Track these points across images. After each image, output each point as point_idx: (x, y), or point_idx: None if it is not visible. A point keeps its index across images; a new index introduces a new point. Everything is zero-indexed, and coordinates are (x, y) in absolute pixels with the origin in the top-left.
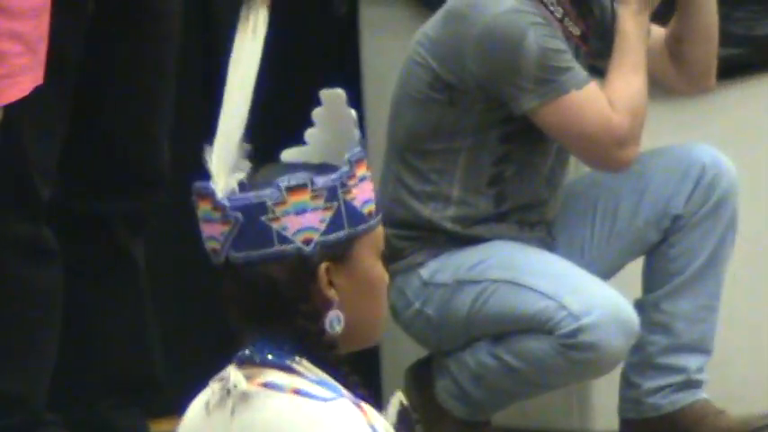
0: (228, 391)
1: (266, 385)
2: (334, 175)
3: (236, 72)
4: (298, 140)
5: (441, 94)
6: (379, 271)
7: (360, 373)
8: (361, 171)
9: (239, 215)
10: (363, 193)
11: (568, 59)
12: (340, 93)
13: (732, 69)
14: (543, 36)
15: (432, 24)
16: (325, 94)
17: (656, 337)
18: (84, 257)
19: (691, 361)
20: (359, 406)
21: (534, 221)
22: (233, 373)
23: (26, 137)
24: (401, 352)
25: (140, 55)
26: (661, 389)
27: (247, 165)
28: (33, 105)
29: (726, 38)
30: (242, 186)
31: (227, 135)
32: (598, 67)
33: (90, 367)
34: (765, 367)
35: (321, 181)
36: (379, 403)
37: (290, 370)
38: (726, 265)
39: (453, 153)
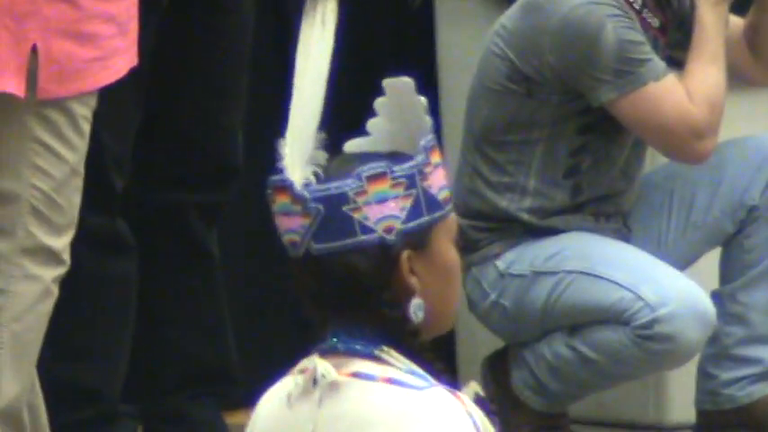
0: (315, 382)
1: (356, 375)
2: (412, 163)
3: (306, 64)
4: (361, 132)
5: (518, 85)
6: (454, 256)
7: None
8: (435, 158)
9: (320, 207)
10: (439, 180)
11: (647, 51)
12: (407, 81)
13: None
14: (621, 27)
15: (509, 16)
16: (389, 83)
17: (733, 329)
18: (158, 250)
19: (767, 353)
20: (455, 394)
21: (610, 213)
22: (320, 364)
23: (100, 128)
24: (477, 343)
25: (214, 47)
26: (738, 380)
27: (324, 156)
28: (108, 97)
29: None
30: (316, 178)
31: (301, 127)
32: (676, 59)
33: (164, 359)
34: None
35: (400, 169)
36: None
37: (378, 359)
38: None
39: (530, 144)
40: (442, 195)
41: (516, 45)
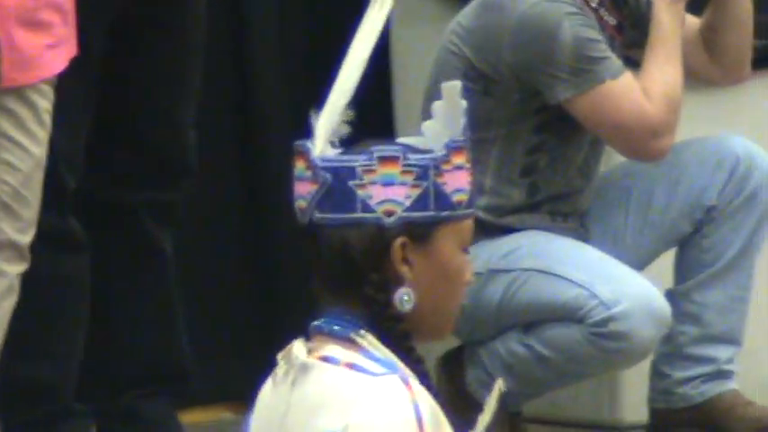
0: (291, 363)
1: (324, 359)
2: (428, 155)
3: (358, 43)
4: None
5: (475, 83)
6: (459, 262)
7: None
8: (459, 159)
9: (328, 176)
10: (456, 181)
11: (604, 49)
12: (456, 84)
13: (764, 60)
14: (579, 25)
15: (466, 14)
16: (445, 87)
17: (687, 328)
18: (111, 247)
19: (721, 352)
20: (407, 383)
21: (567, 212)
22: (296, 346)
23: (52, 126)
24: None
25: (166, 45)
26: (691, 379)
27: (346, 129)
28: (58, 94)
29: (757, 28)
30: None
31: (334, 101)
32: (633, 58)
33: (118, 357)
34: None
35: (414, 157)
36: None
37: (351, 343)
38: (757, 257)
39: (487, 143)
40: (457, 197)
41: (473, 43)
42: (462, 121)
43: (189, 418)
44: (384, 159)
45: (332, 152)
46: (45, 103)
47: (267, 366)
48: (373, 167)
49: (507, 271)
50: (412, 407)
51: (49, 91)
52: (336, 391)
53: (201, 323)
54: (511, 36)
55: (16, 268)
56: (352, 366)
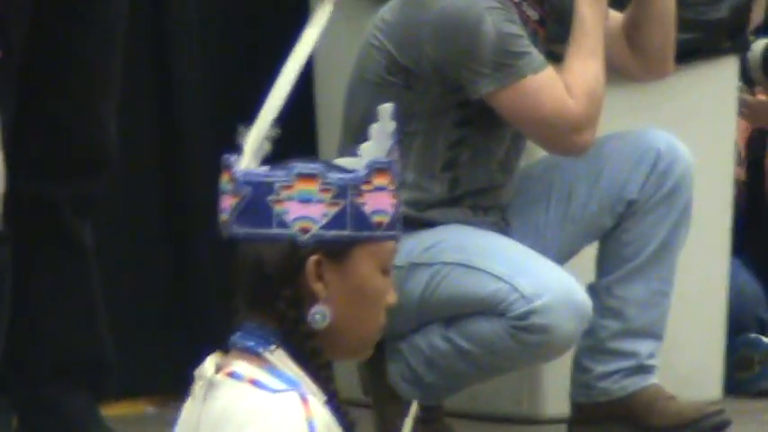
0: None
1: (231, 375)
2: (348, 175)
3: (293, 59)
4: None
5: (397, 77)
6: (377, 284)
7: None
8: (381, 181)
9: (248, 190)
10: (377, 203)
11: (525, 44)
12: (388, 106)
13: (686, 54)
14: (500, 20)
15: (389, 9)
16: (380, 108)
17: (608, 322)
18: (31, 240)
19: (642, 346)
20: (305, 400)
21: (488, 206)
22: (206, 363)
23: None
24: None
25: (86, 36)
26: (612, 373)
27: (268, 147)
28: None
29: (679, 23)
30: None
31: (264, 117)
32: (555, 52)
33: (39, 350)
34: (716, 353)
35: (334, 176)
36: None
37: (260, 358)
38: (679, 251)
39: (408, 137)
40: (377, 218)
41: (395, 37)
42: (389, 143)
43: (111, 411)
44: (302, 176)
45: (257, 167)
46: None
47: (190, 360)
48: (291, 184)
49: (428, 264)
50: (306, 424)
51: None
52: (236, 406)
53: (125, 316)
54: (432, 31)
55: None
56: (254, 383)
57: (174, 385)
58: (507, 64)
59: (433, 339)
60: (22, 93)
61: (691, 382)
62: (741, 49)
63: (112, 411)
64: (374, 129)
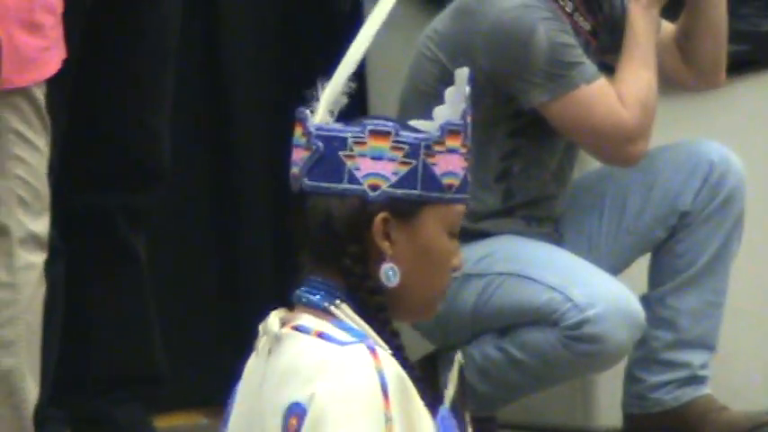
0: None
1: (297, 328)
2: (421, 135)
3: (370, 24)
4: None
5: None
6: (443, 246)
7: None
8: (454, 143)
9: (321, 144)
10: (448, 164)
11: (578, 54)
12: (465, 70)
13: (739, 65)
14: (553, 30)
15: (441, 19)
16: (456, 72)
17: (661, 333)
18: (85, 252)
19: (695, 357)
20: (373, 352)
21: (542, 217)
22: (271, 317)
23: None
24: (408, 346)
25: (138, 47)
26: (665, 384)
27: (345, 100)
28: None
29: (731, 34)
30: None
31: (339, 74)
32: (608, 63)
33: (92, 362)
34: None
35: (406, 135)
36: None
37: (326, 312)
38: (732, 262)
39: None
40: (447, 180)
41: (448, 48)
42: (462, 106)
43: (165, 422)
44: (375, 133)
45: (331, 122)
46: (42, 96)
47: (242, 371)
48: (364, 140)
49: (482, 275)
50: (377, 374)
51: (43, 86)
52: (304, 359)
53: (177, 328)
54: (485, 41)
55: (41, 258)
56: (321, 335)
57: (226, 397)
58: (560, 74)
59: (487, 349)
60: (75, 105)
61: (743, 392)
62: None
63: (166, 423)
64: (449, 92)
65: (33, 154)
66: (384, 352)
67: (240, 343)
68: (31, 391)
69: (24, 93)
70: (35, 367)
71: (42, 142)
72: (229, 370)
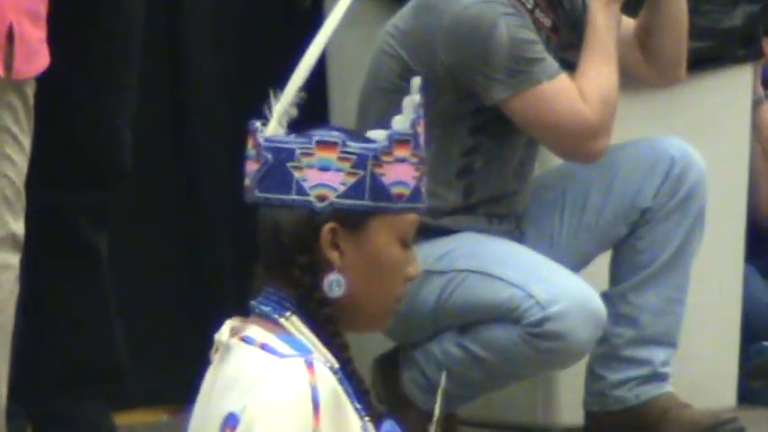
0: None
1: (243, 339)
2: (369, 145)
3: (327, 25)
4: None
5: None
6: (394, 255)
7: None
8: (403, 152)
9: (269, 156)
10: (397, 174)
11: (540, 50)
12: (417, 79)
13: (701, 62)
14: (514, 26)
15: (402, 16)
16: (413, 80)
17: (622, 330)
18: (44, 249)
19: (656, 354)
20: (310, 366)
21: (503, 214)
22: (224, 327)
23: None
24: (367, 343)
25: (102, 47)
26: (626, 381)
27: (295, 112)
28: None
29: (693, 30)
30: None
31: (290, 86)
32: (568, 59)
33: (52, 358)
34: (730, 361)
35: (354, 145)
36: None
37: (275, 324)
38: (693, 259)
39: None
40: (396, 190)
41: (409, 44)
42: (413, 116)
43: (125, 419)
44: (322, 144)
45: (282, 133)
46: (32, 96)
47: (205, 368)
48: (311, 151)
49: (443, 272)
50: (310, 389)
51: (33, 88)
52: (245, 370)
53: (139, 325)
54: (446, 37)
55: (17, 258)
56: (264, 347)
57: (188, 394)
58: (521, 70)
59: (448, 347)
60: (37, 103)
61: (705, 390)
62: (755, 57)
63: (126, 420)
64: (406, 101)
65: (20, 154)
66: (322, 367)
67: (202, 341)
68: (2, 391)
69: (18, 90)
70: (4, 368)
71: (27, 142)
72: (191, 367)
